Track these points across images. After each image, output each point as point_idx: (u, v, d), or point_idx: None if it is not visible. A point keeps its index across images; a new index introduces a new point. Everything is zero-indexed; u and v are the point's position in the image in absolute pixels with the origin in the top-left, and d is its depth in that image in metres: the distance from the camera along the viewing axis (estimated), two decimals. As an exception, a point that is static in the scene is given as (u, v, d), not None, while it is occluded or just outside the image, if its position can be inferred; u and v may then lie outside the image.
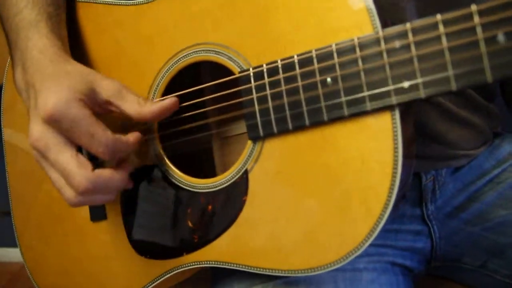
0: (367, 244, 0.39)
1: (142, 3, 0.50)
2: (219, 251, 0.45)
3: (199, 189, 0.47)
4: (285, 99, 0.40)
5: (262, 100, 0.42)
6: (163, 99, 0.46)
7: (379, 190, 0.38)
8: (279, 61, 0.41)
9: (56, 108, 0.40)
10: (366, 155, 0.38)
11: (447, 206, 0.56)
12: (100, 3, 0.54)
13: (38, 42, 0.47)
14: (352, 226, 0.39)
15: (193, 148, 0.52)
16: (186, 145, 0.50)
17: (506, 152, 0.57)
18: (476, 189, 0.56)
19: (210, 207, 0.46)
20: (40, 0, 0.50)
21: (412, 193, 0.55)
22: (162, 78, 0.48)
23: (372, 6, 0.37)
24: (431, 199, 0.55)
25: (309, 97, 0.39)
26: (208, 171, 0.54)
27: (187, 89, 0.47)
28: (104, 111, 0.45)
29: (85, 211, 0.54)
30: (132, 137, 0.45)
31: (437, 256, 0.58)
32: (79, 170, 0.41)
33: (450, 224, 0.56)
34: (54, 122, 0.41)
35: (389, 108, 0.37)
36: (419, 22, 0.35)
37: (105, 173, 0.42)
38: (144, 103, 0.44)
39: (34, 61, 0.46)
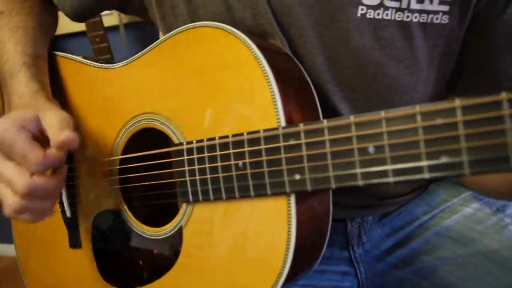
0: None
1: (109, 68, 0.58)
2: (162, 288, 0.54)
3: (148, 235, 0.55)
4: (208, 175, 0.47)
5: (192, 172, 0.49)
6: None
7: (274, 264, 0.44)
8: (205, 141, 0.47)
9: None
10: (265, 231, 0.45)
11: (375, 249, 0.62)
12: (75, 60, 0.62)
13: (18, 89, 0.56)
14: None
15: (147, 199, 0.61)
16: (142, 197, 0.59)
17: (440, 198, 0.62)
18: (406, 234, 0.61)
19: (155, 251, 0.55)
20: (19, 52, 0.59)
21: (338, 237, 0.61)
22: (122, 137, 0.56)
23: (279, 102, 0.43)
24: (358, 243, 0.61)
25: (225, 176, 0.46)
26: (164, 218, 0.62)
27: (143, 147, 0.56)
28: (46, 138, 0.51)
29: (66, 239, 0.64)
30: (58, 154, 0.49)
31: None
32: (19, 177, 0.48)
33: (377, 266, 0.62)
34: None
35: (285, 193, 0.43)
36: (311, 125, 0.41)
37: (40, 178, 0.48)
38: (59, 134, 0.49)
39: (15, 104, 0.55)
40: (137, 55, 0.55)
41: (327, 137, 0.40)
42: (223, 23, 0.50)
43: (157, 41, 0.53)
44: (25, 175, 0.48)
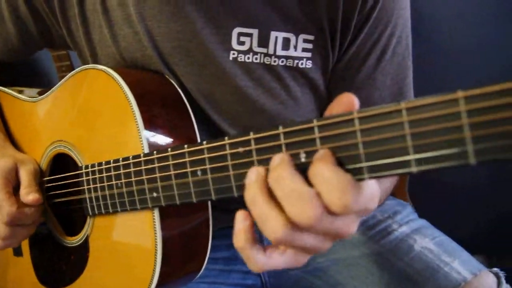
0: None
1: (32, 101, 0.69)
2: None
3: (67, 244, 0.65)
4: (100, 193, 0.57)
5: (90, 191, 0.59)
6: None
7: (143, 273, 0.54)
8: (96, 165, 0.57)
9: None
10: (136, 241, 0.54)
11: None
12: (9, 94, 0.73)
13: None
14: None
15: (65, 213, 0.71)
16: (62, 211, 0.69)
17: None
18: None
19: (72, 257, 0.65)
20: None
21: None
22: (44, 160, 0.67)
23: (143, 131, 0.53)
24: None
25: (110, 194, 0.56)
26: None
27: (59, 170, 0.66)
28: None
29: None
30: (30, 210, 0.62)
31: None
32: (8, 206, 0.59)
33: (276, 266, 0.70)
34: None
35: (149, 208, 0.52)
36: (163, 153, 0.50)
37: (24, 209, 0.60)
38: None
39: None
40: (53, 88, 0.66)
41: (187, 159, 0.49)
42: (117, 64, 0.60)
43: (66, 77, 0.63)
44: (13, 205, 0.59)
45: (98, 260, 0.61)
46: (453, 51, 1.38)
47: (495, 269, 0.66)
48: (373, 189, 0.35)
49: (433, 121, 0.32)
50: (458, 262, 0.65)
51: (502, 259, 1.53)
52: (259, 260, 0.37)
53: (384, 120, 0.34)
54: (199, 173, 0.46)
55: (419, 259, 0.66)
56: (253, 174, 0.38)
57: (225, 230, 0.72)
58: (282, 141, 0.39)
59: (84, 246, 0.62)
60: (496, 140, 0.30)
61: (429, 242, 0.68)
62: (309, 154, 0.37)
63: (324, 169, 0.33)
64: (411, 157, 0.33)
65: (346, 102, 0.35)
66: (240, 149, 0.42)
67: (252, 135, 0.41)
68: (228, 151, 0.43)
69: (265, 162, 0.40)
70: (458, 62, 1.37)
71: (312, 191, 0.34)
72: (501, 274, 0.65)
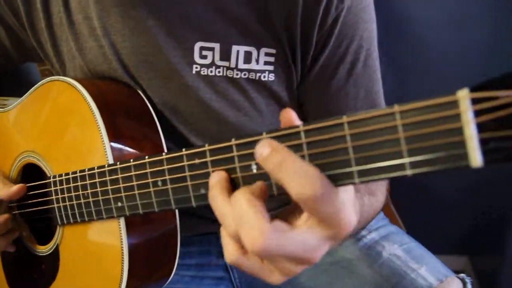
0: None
1: (3, 111, 0.69)
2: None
3: (38, 252, 0.66)
4: (68, 203, 0.58)
5: (58, 201, 0.59)
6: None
7: (112, 280, 0.54)
8: (63, 175, 0.58)
9: None
10: (104, 248, 0.55)
11: (246, 258, 0.71)
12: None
13: None
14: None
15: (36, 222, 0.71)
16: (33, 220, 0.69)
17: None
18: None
19: (44, 266, 0.65)
20: None
21: (214, 247, 0.70)
22: (14, 170, 0.67)
23: (107, 142, 0.53)
24: (230, 252, 0.70)
25: (78, 203, 0.56)
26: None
27: (29, 179, 0.66)
28: None
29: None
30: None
31: None
32: None
33: (248, 272, 0.71)
34: None
35: (115, 217, 0.53)
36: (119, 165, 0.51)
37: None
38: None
39: None
40: (21, 99, 0.66)
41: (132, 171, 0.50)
42: (85, 76, 0.61)
43: (33, 88, 0.64)
44: None
45: (68, 268, 0.61)
46: (441, 52, 1.40)
47: (461, 274, 0.67)
48: (305, 237, 0.33)
49: (374, 134, 0.33)
50: (425, 268, 0.66)
51: (484, 259, 1.55)
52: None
53: (327, 134, 0.35)
54: (159, 183, 0.47)
55: (387, 266, 0.67)
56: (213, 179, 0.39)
57: (198, 237, 0.73)
58: (235, 153, 0.40)
59: (55, 255, 0.62)
60: (427, 153, 0.31)
61: (398, 249, 0.69)
62: (260, 166, 0.38)
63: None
64: (354, 168, 0.34)
65: (286, 117, 0.36)
66: (196, 161, 0.43)
67: (207, 147, 0.41)
68: (185, 162, 0.43)
69: (220, 173, 0.41)
70: (447, 64, 1.39)
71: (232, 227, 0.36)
72: (468, 280, 0.66)
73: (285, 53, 0.58)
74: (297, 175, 0.32)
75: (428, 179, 1.56)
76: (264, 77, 0.59)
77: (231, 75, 0.59)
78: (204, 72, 0.59)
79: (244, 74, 0.59)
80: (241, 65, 0.58)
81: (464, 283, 0.65)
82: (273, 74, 0.59)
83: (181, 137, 0.62)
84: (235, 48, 0.57)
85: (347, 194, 0.34)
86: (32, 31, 0.65)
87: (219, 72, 0.59)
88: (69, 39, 0.61)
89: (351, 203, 0.34)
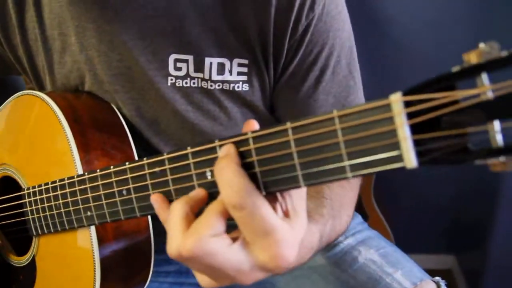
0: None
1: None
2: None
3: (15, 263, 0.67)
4: (41, 214, 0.59)
5: (32, 212, 0.60)
6: None
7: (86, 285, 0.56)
8: (36, 187, 0.59)
9: None
10: (78, 257, 0.56)
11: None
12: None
13: None
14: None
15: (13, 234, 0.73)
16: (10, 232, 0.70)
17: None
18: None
19: (21, 277, 0.66)
20: None
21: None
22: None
23: (76, 154, 0.55)
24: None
25: (50, 214, 0.57)
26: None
27: (11, 192, 0.67)
28: None
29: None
30: None
31: None
32: None
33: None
34: None
35: (86, 226, 0.54)
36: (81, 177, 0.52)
37: None
38: None
39: None
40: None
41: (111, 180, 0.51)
42: (62, 89, 0.62)
43: (5, 102, 0.65)
44: None
45: (45, 278, 0.62)
46: (421, 52, 1.42)
47: (437, 278, 0.67)
48: (238, 258, 0.37)
49: (316, 138, 0.35)
50: (401, 272, 0.66)
51: (470, 258, 1.56)
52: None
53: (273, 140, 0.36)
54: (124, 192, 0.48)
55: (363, 271, 0.67)
56: None
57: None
58: (191, 160, 0.41)
59: (32, 266, 0.64)
60: (365, 156, 0.33)
61: (374, 253, 0.70)
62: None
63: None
64: (299, 172, 0.36)
65: (248, 129, 0.37)
66: (157, 169, 0.44)
67: (165, 156, 0.43)
68: (147, 171, 0.45)
69: (178, 181, 0.42)
70: (428, 64, 1.40)
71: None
72: (442, 283, 0.66)
73: (258, 62, 0.60)
74: (228, 183, 0.35)
75: (414, 180, 1.58)
76: (238, 87, 0.61)
77: (205, 86, 0.60)
78: (179, 84, 0.60)
79: (218, 85, 0.60)
80: (215, 77, 0.59)
81: (439, 286, 0.66)
82: (247, 84, 0.61)
83: (158, 148, 0.64)
84: (208, 60, 0.59)
85: (293, 233, 0.36)
86: (9, 46, 0.66)
87: (193, 83, 0.60)
88: (44, 54, 0.63)
89: (294, 242, 0.36)
